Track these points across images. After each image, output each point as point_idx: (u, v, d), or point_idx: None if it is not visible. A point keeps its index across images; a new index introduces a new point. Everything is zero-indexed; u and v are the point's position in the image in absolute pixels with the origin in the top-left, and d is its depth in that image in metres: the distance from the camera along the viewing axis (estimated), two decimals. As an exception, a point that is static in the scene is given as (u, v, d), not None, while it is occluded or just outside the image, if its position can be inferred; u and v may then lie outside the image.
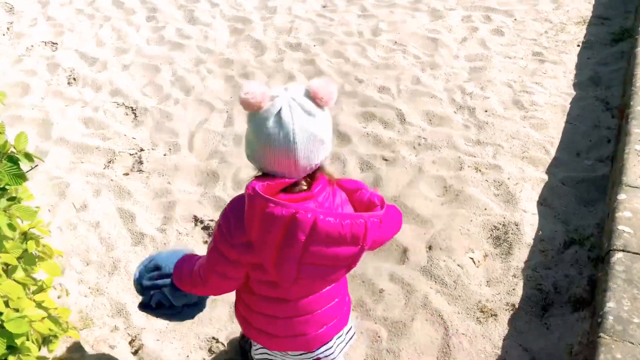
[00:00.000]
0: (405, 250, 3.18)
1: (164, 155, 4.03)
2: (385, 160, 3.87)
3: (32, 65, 5.14)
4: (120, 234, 3.39)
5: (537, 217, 3.33)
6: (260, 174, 1.53)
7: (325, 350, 1.86)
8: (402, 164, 3.81)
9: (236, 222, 1.51)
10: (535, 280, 2.95)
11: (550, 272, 2.98)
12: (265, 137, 1.41)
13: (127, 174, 3.86)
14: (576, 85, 4.55)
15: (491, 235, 3.26)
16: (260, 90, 1.41)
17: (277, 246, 1.45)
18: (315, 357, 1.87)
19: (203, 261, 1.72)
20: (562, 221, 3.30)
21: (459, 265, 3.07)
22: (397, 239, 3.22)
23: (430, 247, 3.20)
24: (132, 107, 4.55)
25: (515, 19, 5.61)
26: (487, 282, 3.00)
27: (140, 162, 3.94)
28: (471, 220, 3.34)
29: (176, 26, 5.75)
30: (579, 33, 5.31)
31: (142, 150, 4.07)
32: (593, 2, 5.86)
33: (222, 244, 1.57)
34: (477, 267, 3.06)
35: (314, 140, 1.43)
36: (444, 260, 3.09)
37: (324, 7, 6.10)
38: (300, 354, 1.86)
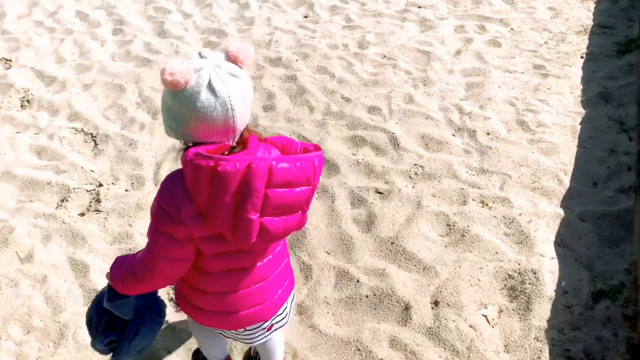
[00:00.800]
0: (407, 307, 2.68)
1: (125, 191, 3.49)
2: (379, 193, 3.37)
3: (-18, 86, 4.57)
4: (71, 290, 2.84)
5: (556, 261, 2.85)
6: (189, 145, 1.47)
7: (280, 318, 1.84)
8: (398, 197, 3.32)
9: (181, 195, 1.43)
10: (563, 345, 2.47)
11: (579, 334, 2.51)
12: (200, 111, 1.37)
13: (82, 214, 3.31)
14: (585, 103, 4.10)
15: (505, 285, 2.78)
16: (184, 66, 1.35)
17: (234, 206, 1.39)
18: (267, 328, 1.82)
19: (144, 251, 1.59)
20: (585, 266, 2.84)
21: (471, 327, 2.58)
22: (397, 292, 2.72)
23: (436, 303, 2.70)
24: (91, 134, 4.00)
25: (511, 29, 5.17)
26: (505, 347, 2.51)
27: (98, 201, 3.40)
28: (481, 268, 2.85)
29: (144, 39, 5.21)
30: (581, 43, 4.87)
31: (100, 185, 3.53)
32: (592, 9, 5.44)
33: (167, 225, 1.46)
34: (492, 326, 2.58)
35: (246, 102, 1.45)
36: (454, 320, 2.60)
37: (306, 17, 5.61)
38: (255, 327, 1.79)
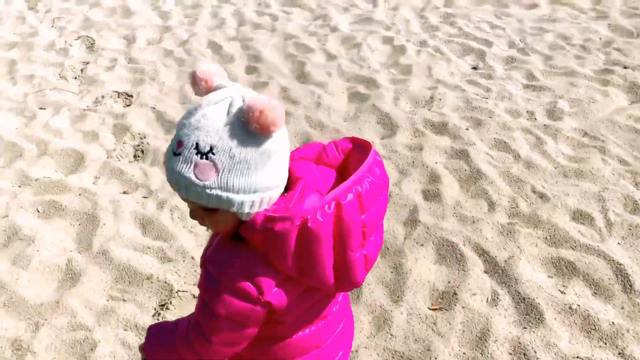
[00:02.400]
0: None
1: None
2: (609, 369, 2.21)
3: (95, 126, 3.93)
4: None
5: None
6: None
7: None
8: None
9: (260, 270, 1.12)
10: None
11: None
12: (282, 146, 1.11)
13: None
14: None
15: None
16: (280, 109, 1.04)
17: (334, 253, 1.14)
18: None
19: (193, 334, 1.24)
20: None
21: None
22: None
23: None
24: (208, 206, 3.18)
25: None
26: None
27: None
28: None
29: (282, 83, 4.39)
30: None
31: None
32: None
33: (241, 311, 1.14)
34: None
35: None
36: None
37: (475, 69, 4.53)
38: None
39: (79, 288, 2.67)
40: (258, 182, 1.07)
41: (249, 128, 1.02)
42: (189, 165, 1.04)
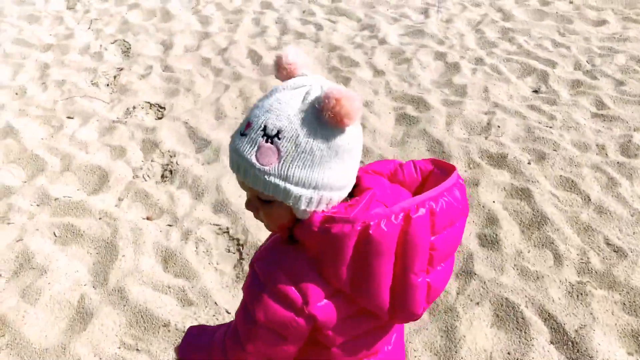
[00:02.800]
0: None
1: None
2: None
3: (123, 140, 3.68)
4: None
5: None
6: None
7: None
8: None
9: (309, 276, 1.02)
10: None
11: None
12: (353, 147, 1.02)
13: None
14: None
15: None
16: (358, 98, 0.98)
17: (394, 272, 1.03)
18: None
19: (230, 341, 1.14)
20: None
21: None
22: None
23: None
24: (238, 240, 2.87)
25: None
26: None
27: None
28: None
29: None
30: None
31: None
32: None
33: (280, 319, 1.03)
34: None
35: None
36: None
37: (536, 92, 4.11)
38: None
39: (90, 331, 2.40)
40: (320, 178, 0.99)
41: (322, 117, 0.96)
42: (252, 146, 0.99)
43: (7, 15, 5.58)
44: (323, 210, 1.02)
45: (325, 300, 1.04)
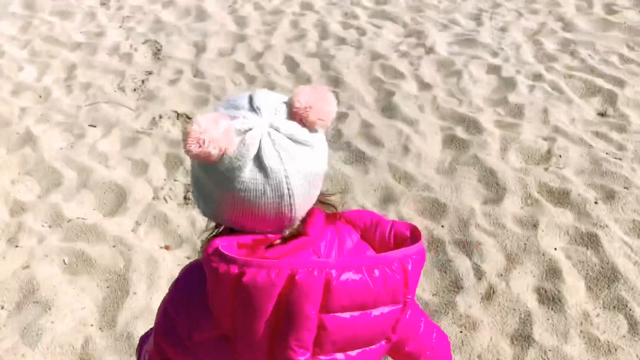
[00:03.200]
0: None
1: None
2: None
3: (146, 153, 3.40)
4: None
5: None
6: (220, 228, 0.97)
7: None
8: None
9: (196, 310, 0.93)
10: None
11: None
12: (240, 195, 0.87)
13: None
14: None
15: None
16: (221, 127, 0.84)
17: (270, 336, 0.88)
18: None
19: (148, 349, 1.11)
20: None
21: None
22: None
23: None
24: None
25: None
26: None
27: None
28: None
29: (362, 115, 3.71)
30: None
31: None
32: None
33: (167, 344, 0.98)
34: None
35: (314, 181, 0.92)
36: None
37: (602, 115, 3.67)
38: None
39: (91, 384, 2.13)
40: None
41: None
42: None
43: (39, 9, 5.38)
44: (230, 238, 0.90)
45: (211, 339, 0.94)
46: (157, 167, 3.31)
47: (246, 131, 0.86)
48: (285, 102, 0.91)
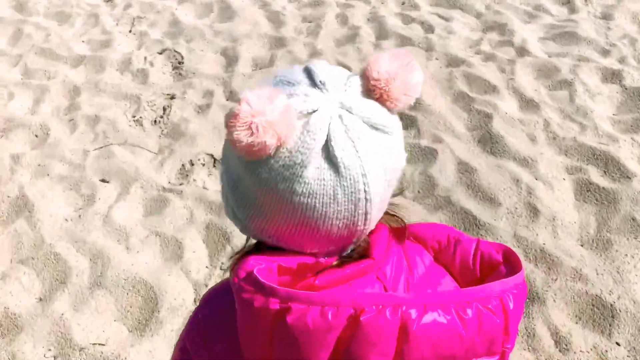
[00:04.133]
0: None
1: None
2: None
3: (178, 224, 2.52)
4: None
5: None
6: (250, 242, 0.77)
7: None
8: None
9: (222, 344, 0.74)
10: None
11: None
12: (300, 201, 0.65)
13: None
14: None
15: None
16: (277, 106, 0.62)
17: None
18: None
19: None
20: None
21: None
22: None
23: None
24: None
25: None
26: None
27: None
28: None
29: (457, 152, 2.79)
30: None
31: None
32: None
33: None
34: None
35: (392, 180, 0.71)
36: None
37: None
38: None
39: None
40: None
41: None
42: None
43: (32, 12, 4.44)
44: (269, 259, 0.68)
45: None
46: (196, 246, 2.43)
47: (310, 113, 0.64)
48: (356, 75, 0.70)
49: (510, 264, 0.77)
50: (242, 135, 0.61)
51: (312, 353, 0.63)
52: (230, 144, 0.64)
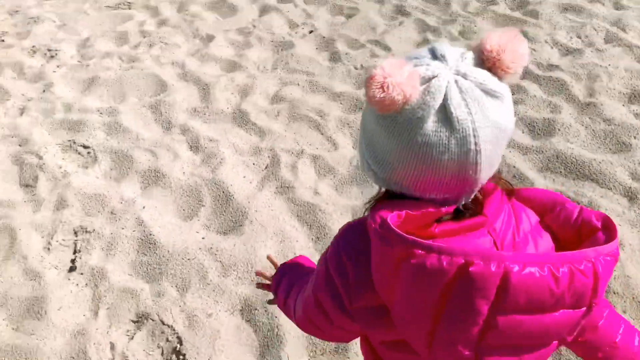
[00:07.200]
0: None
1: None
2: None
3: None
4: None
5: None
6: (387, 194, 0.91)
7: None
8: None
9: (359, 273, 0.89)
10: None
11: None
12: (420, 150, 0.79)
13: None
14: None
15: None
16: (405, 71, 0.77)
17: (433, 322, 0.81)
18: None
19: (302, 298, 1.09)
20: None
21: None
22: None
23: None
24: None
25: None
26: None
27: None
28: None
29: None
30: None
31: None
32: None
33: (326, 300, 0.96)
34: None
35: (502, 139, 0.82)
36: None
37: None
38: None
39: None
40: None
41: None
42: None
43: None
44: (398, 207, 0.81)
45: (364, 306, 0.90)
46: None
47: (431, 78, 0.78)
48: (470, 51, 0.82)
49: (608, 231, 0.85)
50: (376, 92, 0.76)
51: (428, 289, 0.77)
52: (367, 99, 0.78)
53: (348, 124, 3.21)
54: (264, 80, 3.65)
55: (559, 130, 2.96)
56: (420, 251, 0.76)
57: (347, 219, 2.61)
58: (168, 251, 2.55)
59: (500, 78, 0.80)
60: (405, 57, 0.83)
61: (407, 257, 0.77)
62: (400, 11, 4.26)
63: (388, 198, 0.87)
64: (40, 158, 3.13)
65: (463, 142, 0.77)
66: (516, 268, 0.75)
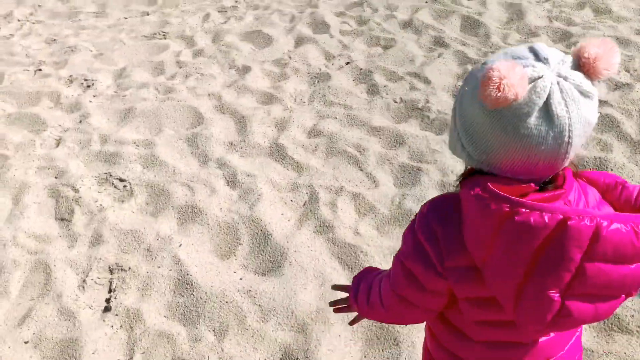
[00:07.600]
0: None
1: None
2: None
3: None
4: None
5: None
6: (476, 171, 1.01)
7: None
8: None
9: (452, 236, 1.00)
10: None
11: None
12: (521, 140, 0.91)
13: None
14: None
15: None
16: (517, 73, 0.87)
17: (526, 273, 0.92)
18: None
19: (385, 279, 1.21)
20: None
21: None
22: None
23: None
24: None
25: None
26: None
27: None
28: None
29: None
30: None
31: None
32: None
33: (419, 268, 1.06)
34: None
35: (587, 132, 0.94)
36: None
37: None
38: None
39: None
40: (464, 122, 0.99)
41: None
42: None
43: None
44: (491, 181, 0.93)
45: (461, 268, 1.00)
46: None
47: (537, 79, 0.89)
48: (569, 54, 0.93)
49: None
50: (492, 92, 0.85)
51: (529, 242, 0.89)
52: (482, 97, 0.87)
53: (388, 159, 3.12)
54: (301, 113, 3.60)
55: (611, 170, 2.83)
56: (524, 209, 0.88)
57: (389, 260, 2.50)
58: (205, 292, 2.47)
59: (592, 80, 0.91)
60: (506, 55, 0.93)
61: (512, 214, 0.88)
62: (439, 42, 4.19)
63: (480, 174, 0.98)
64: (77, 191, 3.10)
65: (559, 135, 0.89)
66: (605, 223, 0.87)
